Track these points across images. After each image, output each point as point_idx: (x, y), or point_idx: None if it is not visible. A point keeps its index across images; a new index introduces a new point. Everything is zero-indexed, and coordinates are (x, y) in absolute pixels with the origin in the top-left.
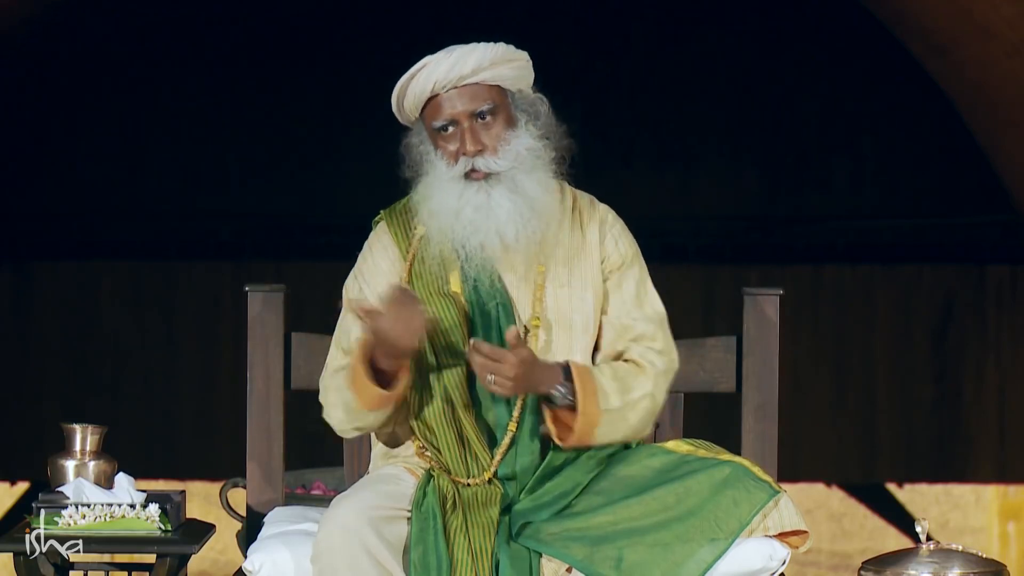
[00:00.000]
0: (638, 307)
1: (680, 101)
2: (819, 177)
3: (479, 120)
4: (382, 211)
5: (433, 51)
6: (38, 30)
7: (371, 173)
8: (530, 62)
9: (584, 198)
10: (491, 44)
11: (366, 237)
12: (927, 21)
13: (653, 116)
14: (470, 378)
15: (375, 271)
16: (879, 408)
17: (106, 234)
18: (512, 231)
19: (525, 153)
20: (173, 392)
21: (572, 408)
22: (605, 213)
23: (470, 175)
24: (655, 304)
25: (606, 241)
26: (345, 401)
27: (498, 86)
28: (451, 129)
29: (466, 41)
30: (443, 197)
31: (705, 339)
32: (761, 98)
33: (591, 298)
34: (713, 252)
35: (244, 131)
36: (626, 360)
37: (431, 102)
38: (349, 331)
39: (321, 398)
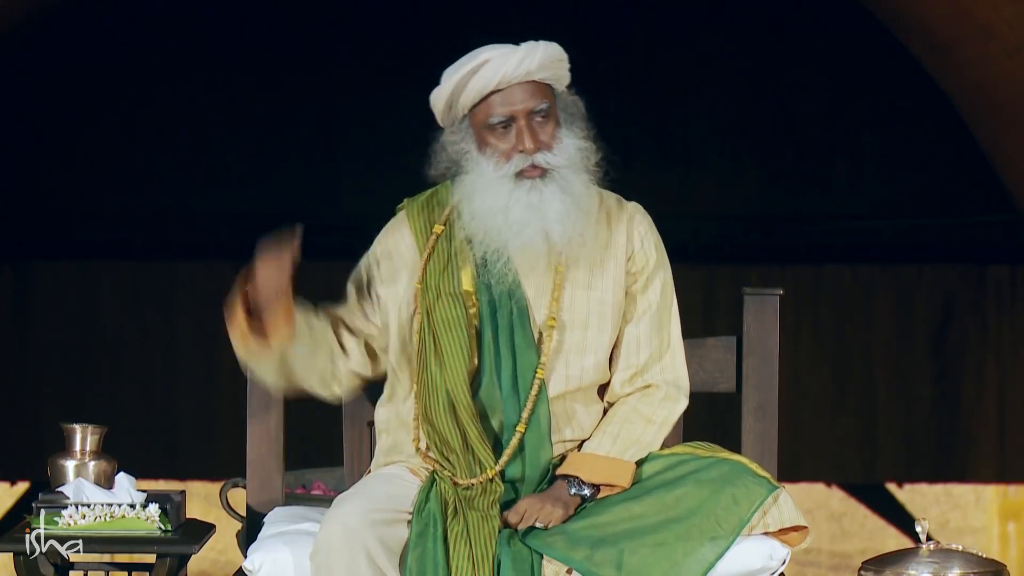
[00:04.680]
0: (655, 331)
1: (680, 101)
2: (819, 177)
3: (536, 118)
4: (405, 200)
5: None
6: (38, 30)
7: (371, 173)
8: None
9: (611, 197)
10: (548, 42)
11: (365, 237)
12: (927, 21)
13: (653, 116)
14: (474, 380)
15: (391, 252)
16: (879, 408)
17: (106, 234)
18: (559, 229)
19: (576, 153)
20: (173, 392)
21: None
22: (633, 211)
23: (523, 173)
24: (674, 329)
25: (633, 239)
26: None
27: (550, 86)
28: (507, 127)
29: (466, 41)
30: (490, 197)
31: (705, 339)
32: (761, 98)
33: (611, 298)
34: (713, 252)
35: (244, 131)
36: (644, 386)
37: (489, 98)
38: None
39: None
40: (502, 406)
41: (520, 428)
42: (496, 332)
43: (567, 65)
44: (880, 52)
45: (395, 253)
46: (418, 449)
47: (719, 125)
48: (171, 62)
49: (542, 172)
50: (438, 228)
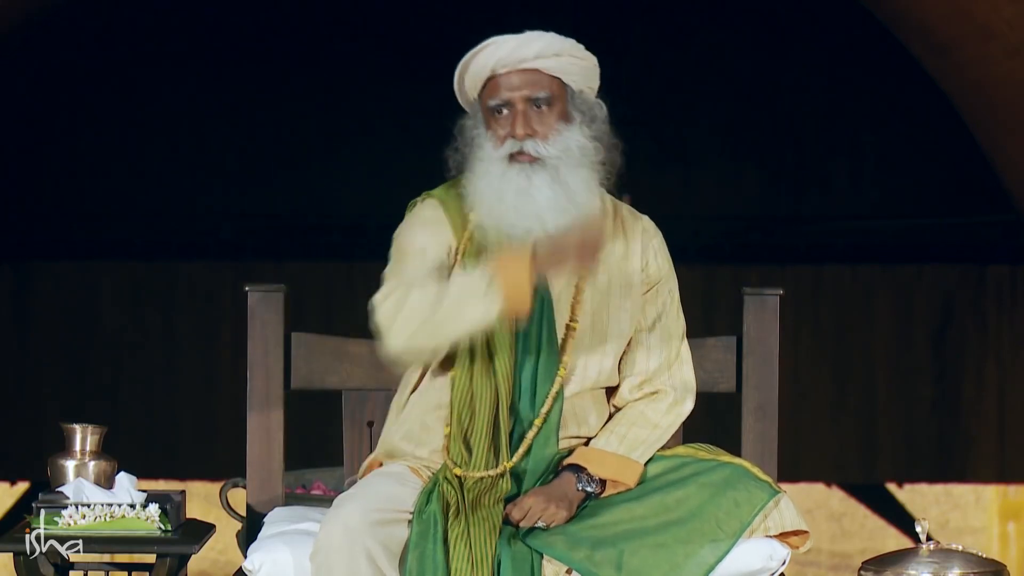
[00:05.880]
0: (665, 341)
1: (680, 101)
2: (819, 177)
3: (534, 107)
4: (425, 193)
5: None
6: (38, 30)
7: (371, 173)
8: (598, 67)
9: (624, 208)
10: (560, 36)
11: (366, 237)
12: (927, 21)
13: (653, 116)
14: (515, 368)
15: (434, 232)
16: (879, 408)
17: (106, 234)
18: (551, 219)
19: (574, 148)
20: (173, 392)
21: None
22: (648, 224)
23: (515, 157)
24: (683, 339)
25: (647, 250)
26: (463, 295)
27: (559, 79)
28: (505, 111)
29: (465, 41)
30: (486, 178)
31: (705, 339)
32: (761, 98)
33: (629, 306)
34: (713, 252)
35: (244, 131)
36: (651, 392)
37: (490, 82)
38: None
39: (388, 312)
40: (519, 401)
41: (537, 422)
42: (528, 326)
43: (587, 64)
44: (880, 52)
45: (438, 231)
46: (447, 435)
47: (719, 125)
48: (171, 62)
49: (531, 159)
50: (474, 217)
